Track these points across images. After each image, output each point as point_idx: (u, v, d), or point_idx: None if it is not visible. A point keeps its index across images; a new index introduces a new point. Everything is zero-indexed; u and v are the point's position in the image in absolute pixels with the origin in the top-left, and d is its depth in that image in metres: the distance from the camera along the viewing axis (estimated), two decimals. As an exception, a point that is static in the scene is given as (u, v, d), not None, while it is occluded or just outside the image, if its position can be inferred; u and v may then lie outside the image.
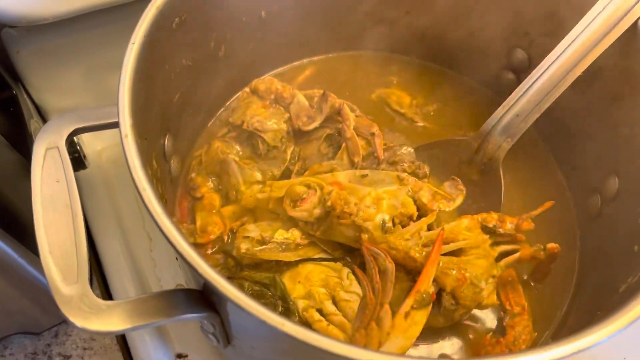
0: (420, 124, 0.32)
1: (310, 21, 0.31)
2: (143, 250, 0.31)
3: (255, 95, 0.29)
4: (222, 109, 0.31)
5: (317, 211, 0.25)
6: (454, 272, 0.24)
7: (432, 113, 0.32)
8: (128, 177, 0.33)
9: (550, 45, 0.28)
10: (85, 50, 0.34)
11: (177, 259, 0.29)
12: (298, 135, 0.29)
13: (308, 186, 0.26)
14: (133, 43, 0.21)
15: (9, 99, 0.30)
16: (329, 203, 0.25)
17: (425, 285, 0.24)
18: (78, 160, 0.30)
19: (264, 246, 0.25)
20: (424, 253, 0.24)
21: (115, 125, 0.23)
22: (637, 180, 0.25)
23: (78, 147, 0.29)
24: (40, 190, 0.20)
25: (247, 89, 0.29)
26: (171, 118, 0.26)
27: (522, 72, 0.31)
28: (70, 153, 0.23)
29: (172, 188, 0.28)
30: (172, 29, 0.24)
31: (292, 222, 0.26)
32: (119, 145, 0.31)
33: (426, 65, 0.34)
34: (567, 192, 0.29)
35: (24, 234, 0.25)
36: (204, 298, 0.20)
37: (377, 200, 0.25)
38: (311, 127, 0.28)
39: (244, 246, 0.26)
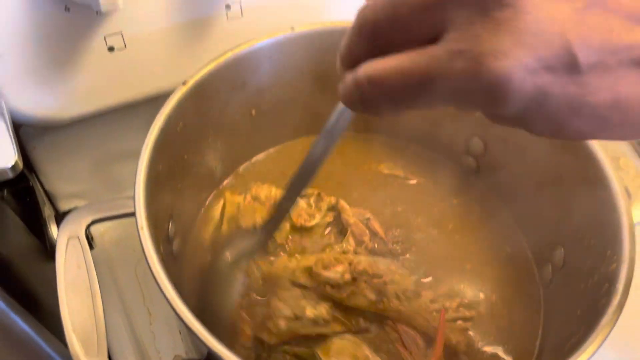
0: (413, 181, 0.36)
1: (293, 112, 0.36)
2: (143, 324, 0.34)
3: (257, 202, 0.33)
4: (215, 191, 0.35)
5: (347, 276, 0.29)
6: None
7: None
8: (128, 256, 0.37)
9: (503, 133, 0.32)
10: (93, 143, 0.38)
11: (180, 332, 0.32)
12: (300, 230, 0.33)
13: (336, 259, 0.30)
14: (147, 145, 0.25)
15: (25, 189, 0.34)
16: (360, 267, 0.29)
17: (442, 350, 0.27)
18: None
19: (300, 322, 0.29)
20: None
21: (127, 215, 0.27)
22: (579, 252, 0.28)
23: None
24: (64, 276, 0.24)
25: (249, 196, 0.33)
26: (175, 205, 0.29)
27: (479, 156, 0.35)
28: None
29: (174, 263, 0.31)
30: (177, 131, 0.28)
31: (317, 295, 0.29)
32: (119, 228, 0.35)
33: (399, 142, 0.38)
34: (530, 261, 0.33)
35: (40, 312, 0.28)
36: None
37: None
38: (312, 223, 0.32)
39: (283, 323, 0.29)
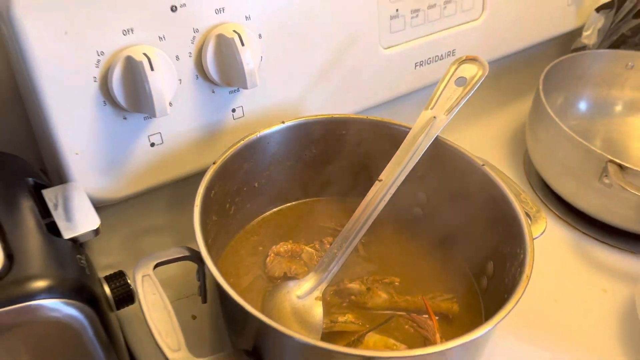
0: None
1: (291, 181, 0.47)
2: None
3: (279, 256, 0.44)
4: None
5: (363, 287, 0.42)
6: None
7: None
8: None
9: (439, 186, 0.45)
10: (124, 219, 0.47)
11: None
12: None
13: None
14: (197, 206, 0.36)
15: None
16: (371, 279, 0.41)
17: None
18: (128, 297, 0.42)
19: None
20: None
21: (184, 259, 0.37)
22: (502, 261, 0.40)
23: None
24: (145, 300, 0.33)
25: (271, 254, 0.44)
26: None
27: (424, 207, 0.48)
28: (120, 292, 0.36)
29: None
30: (211, 197, 0.39)
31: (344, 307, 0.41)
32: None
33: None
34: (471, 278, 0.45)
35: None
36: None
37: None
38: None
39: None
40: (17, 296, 0.29)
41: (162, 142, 0.42)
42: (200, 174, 0.45)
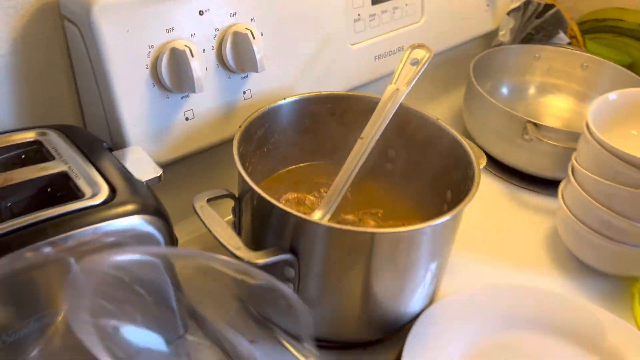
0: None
1: (292, 147, 0.59)
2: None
3: (288, 202, 0.56)
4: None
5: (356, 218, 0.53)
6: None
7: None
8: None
9: (404, 140, 0.59)
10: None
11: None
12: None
13: None
14: (235, 146, 0.48)
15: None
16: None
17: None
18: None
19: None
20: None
21: (225, 197, 0.48)
22: (459, 188, 0.54)
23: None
24: (207, 220, 0.44)
25: (282, 200, 0.56)
26: (239, 197, 0.51)
27: (394, 160, 0.61)
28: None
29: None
30: (240, 151, 0.51)
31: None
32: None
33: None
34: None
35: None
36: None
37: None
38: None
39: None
40: (121, 213, 0.40)
41: (194, 117, 0.54)
42: (221, 144, 0.57)
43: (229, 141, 0.57)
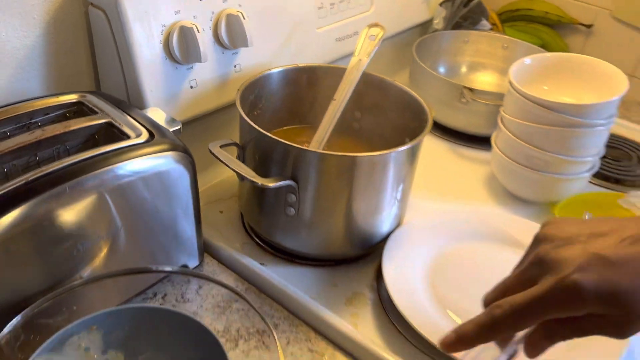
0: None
1: (277, 112, 0.71)
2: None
3: None
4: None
5: None
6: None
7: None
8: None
9: (367, 103, 0.72)
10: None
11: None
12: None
13: None
14: (238, 99, 0.59)
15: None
16: None
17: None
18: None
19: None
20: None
21: (232, 145, 0.60)
22: (414, 136, 0.68)
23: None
24: (224, 159, 0.56)
25: None
26: (241, 147, 0.63)
27: (360, 120, 0.75)
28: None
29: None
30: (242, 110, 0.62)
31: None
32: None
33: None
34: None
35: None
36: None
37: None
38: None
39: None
40: (162, 149, 0.51)
41: (197, 86, 0.65)
42: (219, 109, 0.69)
43: (226, 107, 0.69)
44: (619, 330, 0.31)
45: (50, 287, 0.47)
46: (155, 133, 0.52)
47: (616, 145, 0.91)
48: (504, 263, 0.43)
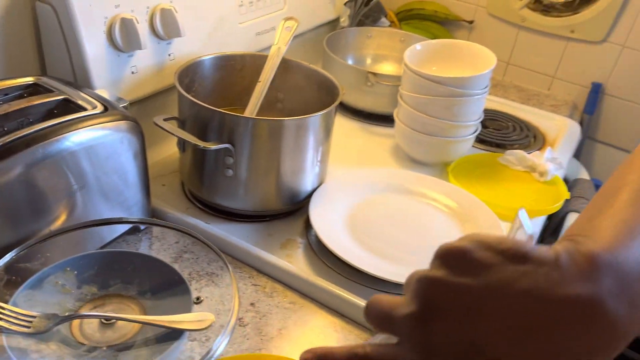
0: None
1: (209, 95, 0.81)
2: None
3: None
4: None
5: None
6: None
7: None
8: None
9: (288, 85, 0.84)
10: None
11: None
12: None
13: None
14: (176, 77, 0.69)
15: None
16: None
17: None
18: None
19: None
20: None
21: (173, 119, 0.69)
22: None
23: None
24: (169, 129, 0.65)
25: None
26: (181, 123, 0.72)
27: (283, 101, 0.86)
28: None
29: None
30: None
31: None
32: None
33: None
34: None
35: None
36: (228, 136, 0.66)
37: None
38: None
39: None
40: (117, 118, 0.59)
41: (137, 72, 0.74)
42: (156, 94, 0.78)
43: (162, 91, 0.78)
44: None
45: (26, 239, 0.54)
46: (108, 107, 0.61)
47: (497, 118, 1.08)
48: (407, 208, 0.59)
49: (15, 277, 0.52)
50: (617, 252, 0.27)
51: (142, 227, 0.69)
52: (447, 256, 0.28)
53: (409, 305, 0.28)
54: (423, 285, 0.28)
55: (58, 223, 0.57)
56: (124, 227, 0.66)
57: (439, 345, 0.26)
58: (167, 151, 0.84)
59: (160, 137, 0.82)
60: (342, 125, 1.01)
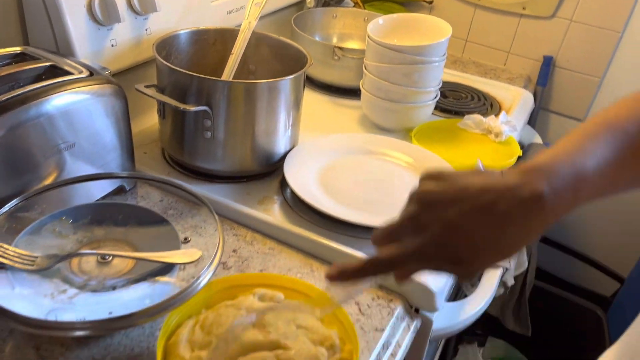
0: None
1: (187, 66, 0.86)
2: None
3: None
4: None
5: None
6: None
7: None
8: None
9: (259, 56, 0.89)
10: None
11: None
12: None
13: None
14: (154, 48, 0.74)
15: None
16: None
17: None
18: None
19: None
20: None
21: (153, 87, 0.74)
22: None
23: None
24: (149, 93, 0.70)
25: None
26: (160, 91, 0.77)
27: (255, 72, 0.91)
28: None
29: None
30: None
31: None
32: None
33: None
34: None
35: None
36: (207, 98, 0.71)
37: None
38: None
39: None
40: (102, 81, 0.64)
41: (117, 44, 0.78)
42: (135, 66, 0.82)
43: (141, 65, 0.83)
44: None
45: (21, 192, 0.59)
46: (93, 72, 0.65)
47: (456, 89, 1.16)
48: (371, 166, 0.70)
49: (15, 225, 0.56)
50: (549, 163, 0.38)
51: (127, 187, 0.73)
52: (430, 174, 0.40)
53: (408, 206, 0.40)
54: (418, 191, 0.40)
55: (49, 180, 0.61)
56: (111, 187, 0.70)
57: (429, 224, 0.38)
58: (147, 122, 0.89)
59: (140, 109, 0.87)
60: (311, 98, 1.07)
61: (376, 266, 0.40)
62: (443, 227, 0.37)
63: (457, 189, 0.38)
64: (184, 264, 0.54)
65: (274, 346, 0.47)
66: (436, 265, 0.39)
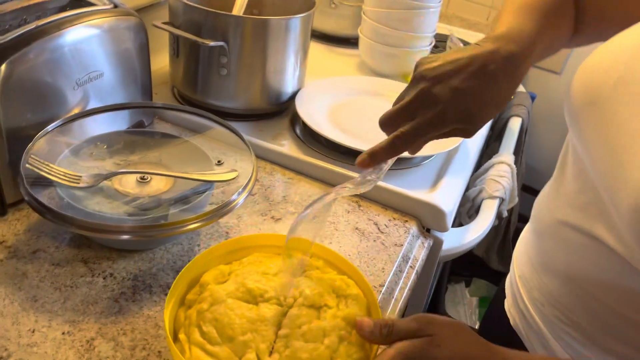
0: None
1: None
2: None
3: None
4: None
5: None
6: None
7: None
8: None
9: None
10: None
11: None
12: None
13: None
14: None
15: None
16: None
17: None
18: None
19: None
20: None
21: (169, 23, 0.76)
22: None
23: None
24: (170, 29, 0.71)
25: None
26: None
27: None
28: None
29: (175, 60, 0.80)
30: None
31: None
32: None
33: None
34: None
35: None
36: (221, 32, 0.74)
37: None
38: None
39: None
40: (125, 12, 0.66)
41: None
42: (144, 7, 0.83)
43: (148, 6, 0.84)
44: (468, 135, 0.46)
45: (51, 120, 0.60)
46: (116, 4, 0.67)
47: (445, 40, 1.20)
48: (378, 107, 0.67)
49: (54, 148, 0.58)
50: (508, 32, 0.46)
51: (146, 122, 0.75)
52: (424, 58, 0.47)
53: (416, 86, 0.46)
54: (422, 70, 0.46)
55: (77, 110, 0.63)
56: (133, 120, 0.72)
57: (440, 95, 0.44)
58: (156, 64, 0.90)
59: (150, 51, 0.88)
60: (310, 47, 1.09)
61: (403, 139, 0.45)
62: (454, 93, 0.43)
63: (452, 61, 0.44)
64: (223, 181, 0.58)
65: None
66: (451, 127, 0.45)
